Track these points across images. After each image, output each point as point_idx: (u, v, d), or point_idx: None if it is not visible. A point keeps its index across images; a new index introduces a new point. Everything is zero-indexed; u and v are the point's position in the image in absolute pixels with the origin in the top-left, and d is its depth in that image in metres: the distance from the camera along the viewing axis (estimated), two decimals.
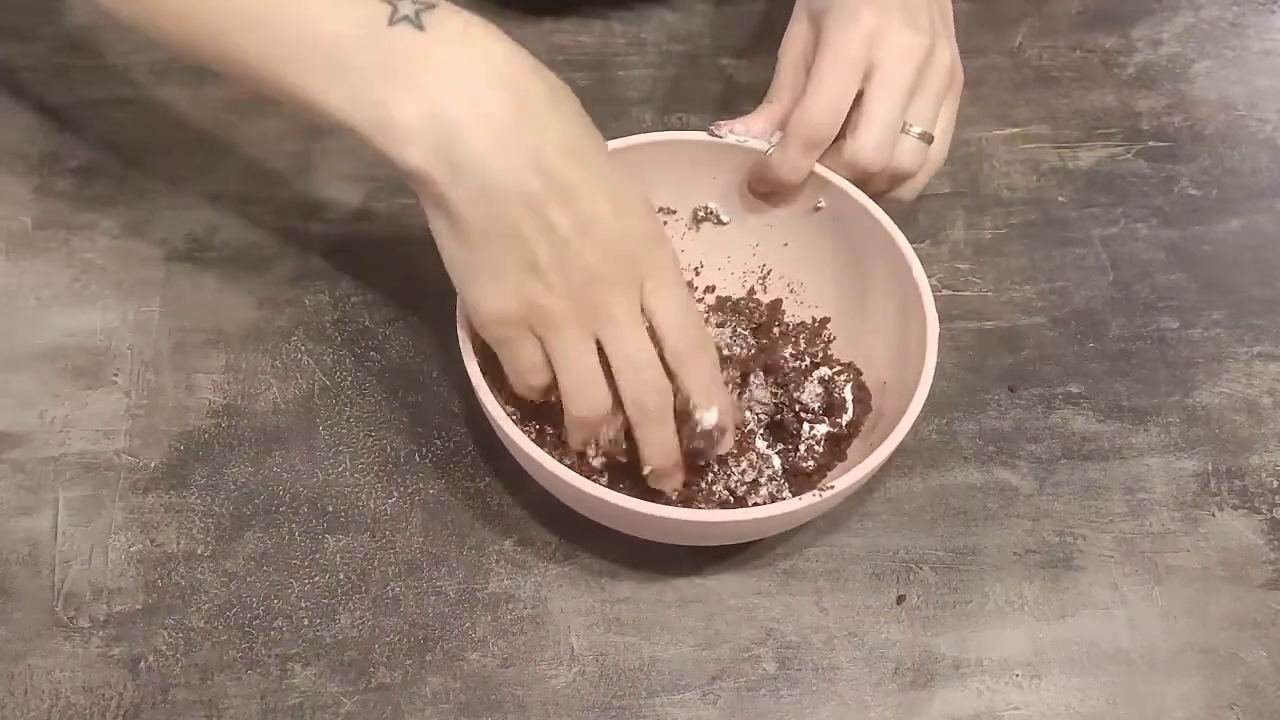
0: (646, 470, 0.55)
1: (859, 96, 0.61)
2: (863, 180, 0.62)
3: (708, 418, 0.55)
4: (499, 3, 0.79)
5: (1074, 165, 0.76)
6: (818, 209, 0.63)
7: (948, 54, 0.63)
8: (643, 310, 0.53)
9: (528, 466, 0.55)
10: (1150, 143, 0.77)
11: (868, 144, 0.60)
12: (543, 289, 0.51)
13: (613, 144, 0.61)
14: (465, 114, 0.49)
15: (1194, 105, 0.79)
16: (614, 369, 0.53)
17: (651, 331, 0.53)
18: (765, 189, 0.64)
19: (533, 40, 0.77)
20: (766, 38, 0.80)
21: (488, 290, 0.52)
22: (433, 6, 0.49)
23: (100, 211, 0.69)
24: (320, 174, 0.71)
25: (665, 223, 0.65)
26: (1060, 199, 0.75)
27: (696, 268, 0.67)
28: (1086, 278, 0.71)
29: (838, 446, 0.61)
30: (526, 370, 0.54)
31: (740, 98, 0.77)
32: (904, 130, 0.61)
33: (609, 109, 0.76)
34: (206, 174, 0.71)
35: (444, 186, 0.49)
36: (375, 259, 0.69)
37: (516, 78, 0.50)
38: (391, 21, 0.49)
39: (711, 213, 0.66)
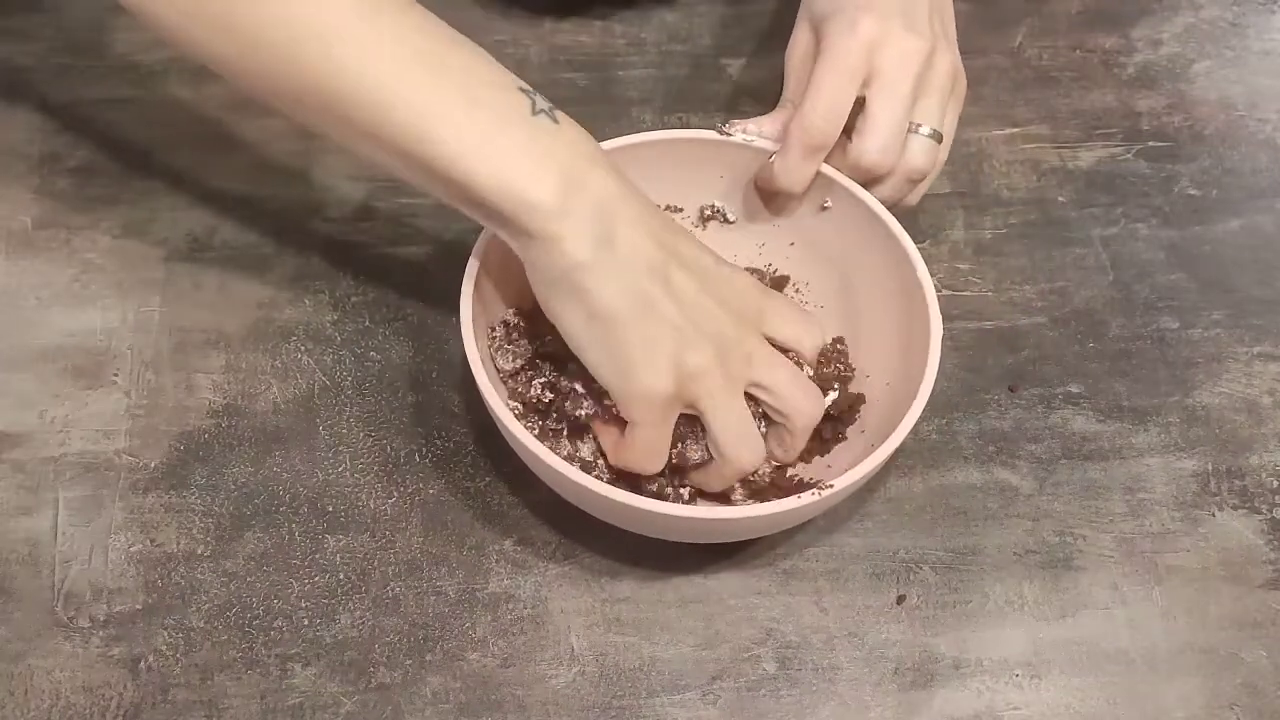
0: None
1: (862, 102, 0.61)
2: (872, 184, 0.62)
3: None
4: (504, 2, 0.79)
5: (1074, 165, 0.76)
6: (824, 208, 0.63)
7: (949, 58, 0.63)
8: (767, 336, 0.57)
9: (531, 464, 0.55)
10: (1150, 143, 0.77)
11: (872, 147, 0.61)
12: (691, 353, 0.53)
13: (622, 140, 0.61)
14: (596, 194, 0.51)
15: (1194, 105, 0.79)
16: (774, 397, 0.56)
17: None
18: (771, 193, 0.64)
19: (533, 40, 0.78)
20: (767, 38, 0.80)
21: (644, 371, 0.52)
22: (557, 108, 0.53)
23: (100, 211, 0.69)
24: (320, 174, 0.71)
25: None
26: (1060, 199, 0.75)
27: None
28: (1086, 278, 0.71)
29: (820, 435, 0.61)
30: (660, 449, 0.55)
31: (740, 98, 0.77)
32: (914, 130, 0.61)
33: (609, 109, 0.76)
34: (206, 174, 0.71)
35: (585, 264, 0.51)
36: (375, 259, 0.69)
37: (617, 168, 0.54)
38: (534, 112, 0.52)
39: (718, 211, 0.66)
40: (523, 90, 0.52)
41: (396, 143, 0.51)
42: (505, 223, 0.52)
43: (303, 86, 0.51)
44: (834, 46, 0.61)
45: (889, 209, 0.62)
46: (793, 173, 0.61)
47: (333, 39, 0.50)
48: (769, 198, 0.65)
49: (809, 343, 0.59)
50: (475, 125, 0.51)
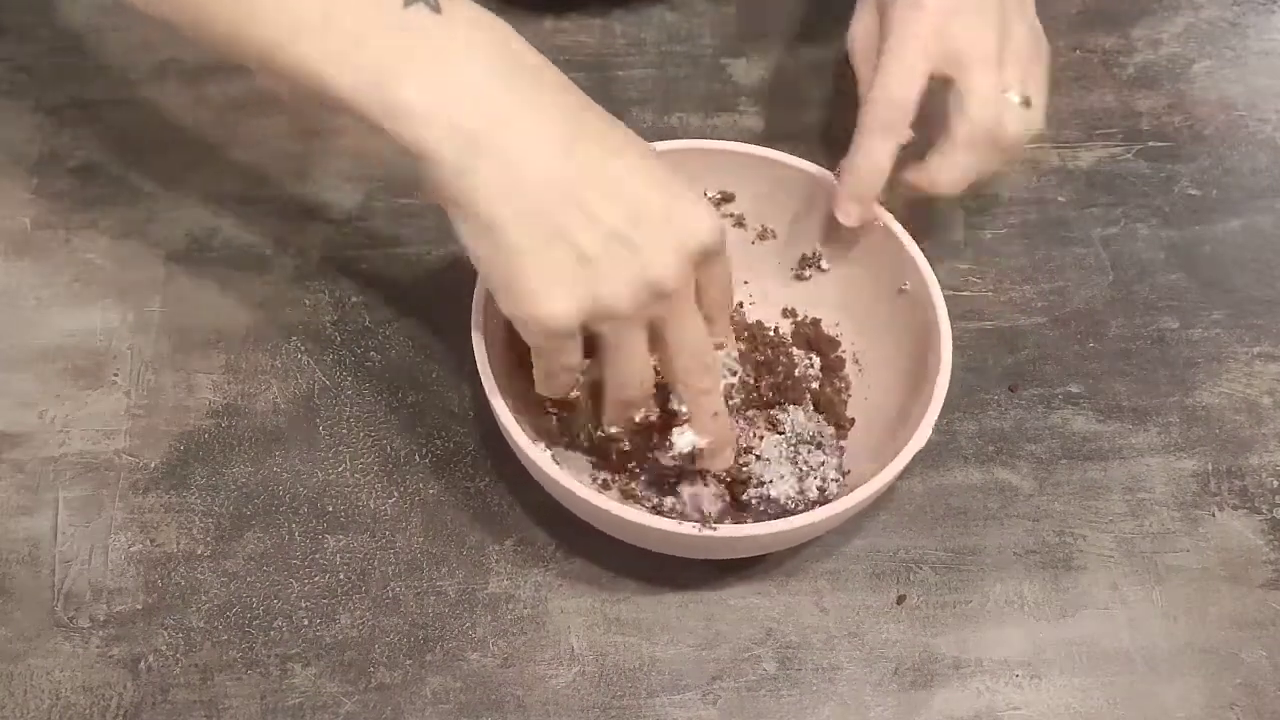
0: (701, 446, 0.55)
1: (949, 83, 0.59)
2: (1006, 154, 0.60)
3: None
4: (503, 1, 0.79)
5: (1074, 165, 0.76)
6: (902, 291, 0.61)
7: (1023, 25, 0.61)
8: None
9: (539, 478, 0.55)
10: (1150, 143, 0.77)
11: (982, 116, 0.58)
12: (599, 289, 0.48)
13: (666, 145, 0.61)
14: (484, 97, 0.47)
15: (1194, 105, 0.79)
16: (669, 352, 0.52)
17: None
18: (857, 201, 0.61)
19: (533, 40, 0.78)
20: (767, 38, 0.80)
21: (535, 299, 0.48)
22: None
23: (100, 211, 0.69)
24: (320, 174, 0.71)
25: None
26: (1060, 199, 0.75)
27: None
28: (1086, 278, 0.71)
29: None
30: (562, 373, 0.52)
31: (740, 98, 0.77)
32: (1006, 98, 0.59)
33: (609, 109, 0.74)
34: (206, 174, 0.71)
35: (463, 172, 0.46)
36: (375, 259, 0.69)
37: (533, 65, 0.49)
38: (407, 3, 0.47)
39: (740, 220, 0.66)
40: None
41: (257, 55, 0.48)
42: (383, 135, 0.47)
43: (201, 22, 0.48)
44: (902, 21, 0.59)
45: (974, 184, 0.61)
46: (870, 154, 0.59)
47: None
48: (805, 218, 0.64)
49: (722, 303, 0.54)
50: (334, 29, 0.46)
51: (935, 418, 0.55)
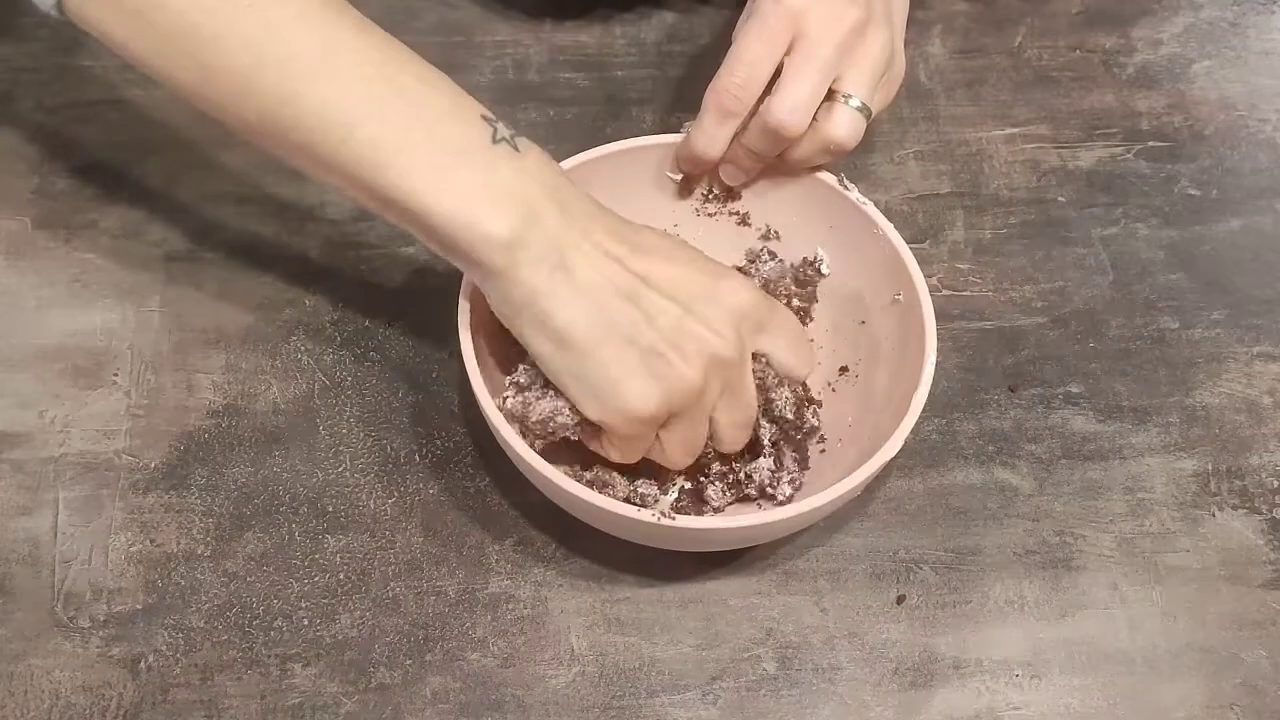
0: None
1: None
2: (784, 145, 0.60)
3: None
4: (504, 3, 0.79)
5: (1074, 165, 0.76)
6: (896, 300, 0.61)
7: (885, 35, 0.60)
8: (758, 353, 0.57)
9: (527, 473, 0.55)
10: (1150, 143, 0.77)
11: (779, 106, 0.58)
12: (672, 371, 0.52)
13: (621, 145, 0.62)
14: (559, 225, 0.51)
15: (1194, 105, 0.79)
16: (722, 426, 0.56)
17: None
18: (688, 167, 0.63)
19: (533, 40, 0.78)
20: None
21: (629, 393, 0.52)
22: (520, 135, 0.53)
23: (100, 211, 0.69)
24: None
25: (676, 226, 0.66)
26: (1060, 199, 0.75)
27: None
28: (1086, 278, 0.71)
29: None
30: (639, 451, 0.55)
31: None
32: (844, 100, 0.59)
33: (609, 109, 0.76)
34: (206, 174, 0.71)
35: (541, 296, 0.51)
36: (375, 259, 0.69)
37: (580, 196, 0.54)
38: (494, 141, 0.51)
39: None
40: (484, 118, 0.52)
41: (352, 173, 0.51)
42: (463, 255, 0.52)
43: (260, 115, 0.51)
44: (758, 9, 0.59)
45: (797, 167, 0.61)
46: (707, 137, 0.60)
47: (290, 64, 0.49)
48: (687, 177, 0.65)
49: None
50: (432, 158, 0.50)
51: (909, 429, 0.55)
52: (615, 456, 0.56)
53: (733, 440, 0.57)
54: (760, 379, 0.57)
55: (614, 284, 0.52)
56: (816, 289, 0.65)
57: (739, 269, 0.65)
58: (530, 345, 0.53)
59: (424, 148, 0.50)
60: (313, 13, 0.50)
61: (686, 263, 0.55)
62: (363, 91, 0.50)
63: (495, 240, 0.50)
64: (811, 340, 0.63)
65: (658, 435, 0.55)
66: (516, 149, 0.52)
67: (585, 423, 0.54)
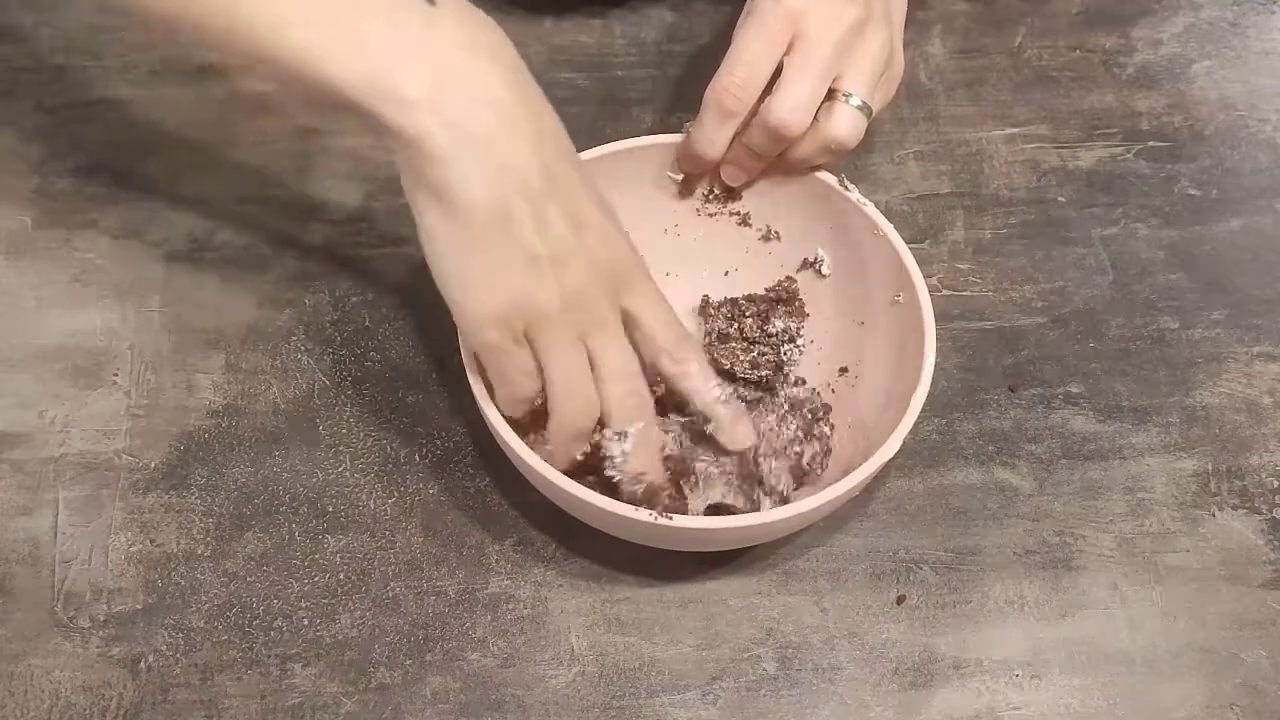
0: (625, 479, 0.55)
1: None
2: (785, 145, 0.60)
3: (722, 412, 0.57)
4: (503, 0, 0.79)
5: (1074, 165, 0.76)
6: (895, 302, 0.61)
7: (884, 34, 0.60)
8: (626, 317, 0.54)
9: (526, 473, 0.55)
10: (1150, 143, 0.77)
11: (779, 106, 0.58)
12: (538, 287, 0.50)
13: (633, 142, 0.62)
14: (474, 89, 0.48)
15: (1194, 105, 0.79)
16: (599, 377, 0.53)
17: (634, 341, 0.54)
18: (689, 167, 0.63)
19: (533, 40, 0.78)
20: None
21: (481, 288, 0.50)
22: None
23: (100, 211, 0.69)
24: (320, 174, 0.71)
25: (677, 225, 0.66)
26: (1060, 199, 0.75)
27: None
28: (1086, 278, 0.71)
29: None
30: (517, 377, 0.53)
31: None
32: (844, 100, 0.59)
33: (609, 109, 0.76)
34: (206, 174, 0.71)
35: (447, 159, 0.48)
36: (375, 259, 0.69)
37: (517, 69, 0.51)
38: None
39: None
40: None
41: (251, 47, 0.48)
42: (373, 122, 0.48)
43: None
44: (757, 9, 0.59)
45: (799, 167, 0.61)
46: (706, 138, 0.60)
47: None
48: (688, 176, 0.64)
49: (669, 336, 0.55)
50: (334, 18, 0.48)
51: (908, 429, 0.55)
52: (500, 405, 0.54)
53: (619, 402, 0.54)
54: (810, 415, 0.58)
55: (522, 178, 0.49)
56: (827, 422, 0.63)
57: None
58: (420, 216, 0.50)
59: (321, 10, 0.48)
60: None
61: (591, 192, 0.53)
62: None
63: (401, 100, 0.47)
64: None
65: (544, 381, 0.53)
66: (432, 2, 0.49)
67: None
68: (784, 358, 0.64)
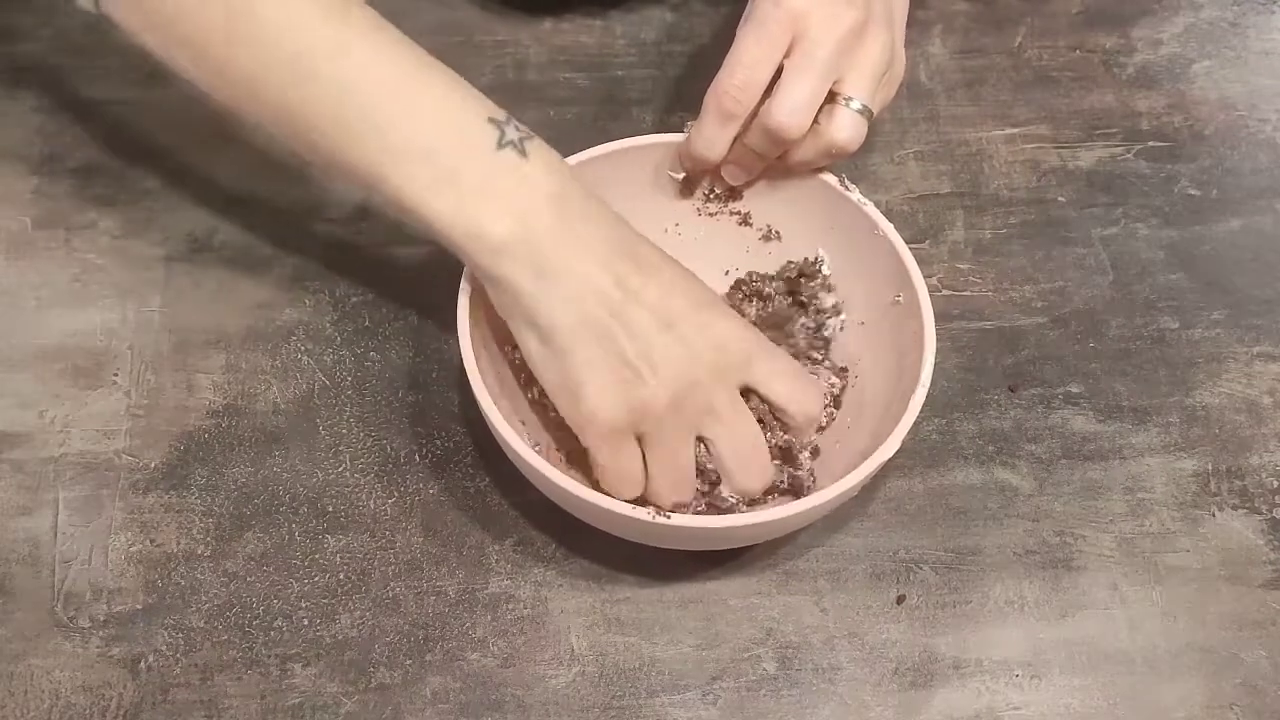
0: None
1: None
2: (784, 147, 0.60)
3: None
4: (502, 2, 0.79)
5: (1074, 165, 0.76)
6: (896, 302, 0.61)
7: (885, 37, 0.60)
8: (752, 390, 0.57)
9: (526, 473, 0.55)
10: (1150, 143, 0.77)
11: (779, 108, 0.58)
12: (641, 391, 0.53)
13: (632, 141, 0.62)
14: (552, 234, 0.53)
15: (1194, 105, 0.79)
16: (721, 461, 0.57)
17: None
18: (690, 167, 0.63)
19: (533, 40, 0.78)
20: None
21: (593, 396, 0.53)
22: (532, 137, 0.54)
23: (100, 211, 0.69)
24: (320, 174, 0.71)
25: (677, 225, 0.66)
26: (1060, 199, 0.75)
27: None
28: (1086, 278, 0.71)
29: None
30: (625, 476, 0.56)
31: None
32: (844, 103, 0.59)
33: (609, 109, 0.76)
34: (206, 174, 0.71)
35: (533, 293, 0.53)
36: (375, 259, 0.69)
37: (586, 201, 0.55)
38: (499, 146, 0.53)
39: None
40: (492, 121, 0.53)
41: (359, 175, 0.53)
42: (464, 257, 0.54)
43: (275, 113, 0.53)
44: (757, 11, 0.59)
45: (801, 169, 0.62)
46: (706, 140, 0.60)
47: (302, 66, 0.51)
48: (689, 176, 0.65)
49: (801, 408, 0.58)
50: (434, 163, 0.52)
51: (907, 429, 0.55)
52: (606, 485, 0.57)
53: (742, 473, 0.57)
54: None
55: (599, 294, 0.53)
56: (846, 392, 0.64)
57: (743, 281, 0.66)
58: (520, 339, 0.55)
59: (427, 155, 0.52)
60: (332, 11, 0.52)
61: (680, 287, 0.56)
62: (371, 91, 0.52)
63: (485, 245, 0.52)
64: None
65: (647, 468, 0.56)
66: (524, 153, 0.53)
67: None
68: (827, 334, 0.64)
